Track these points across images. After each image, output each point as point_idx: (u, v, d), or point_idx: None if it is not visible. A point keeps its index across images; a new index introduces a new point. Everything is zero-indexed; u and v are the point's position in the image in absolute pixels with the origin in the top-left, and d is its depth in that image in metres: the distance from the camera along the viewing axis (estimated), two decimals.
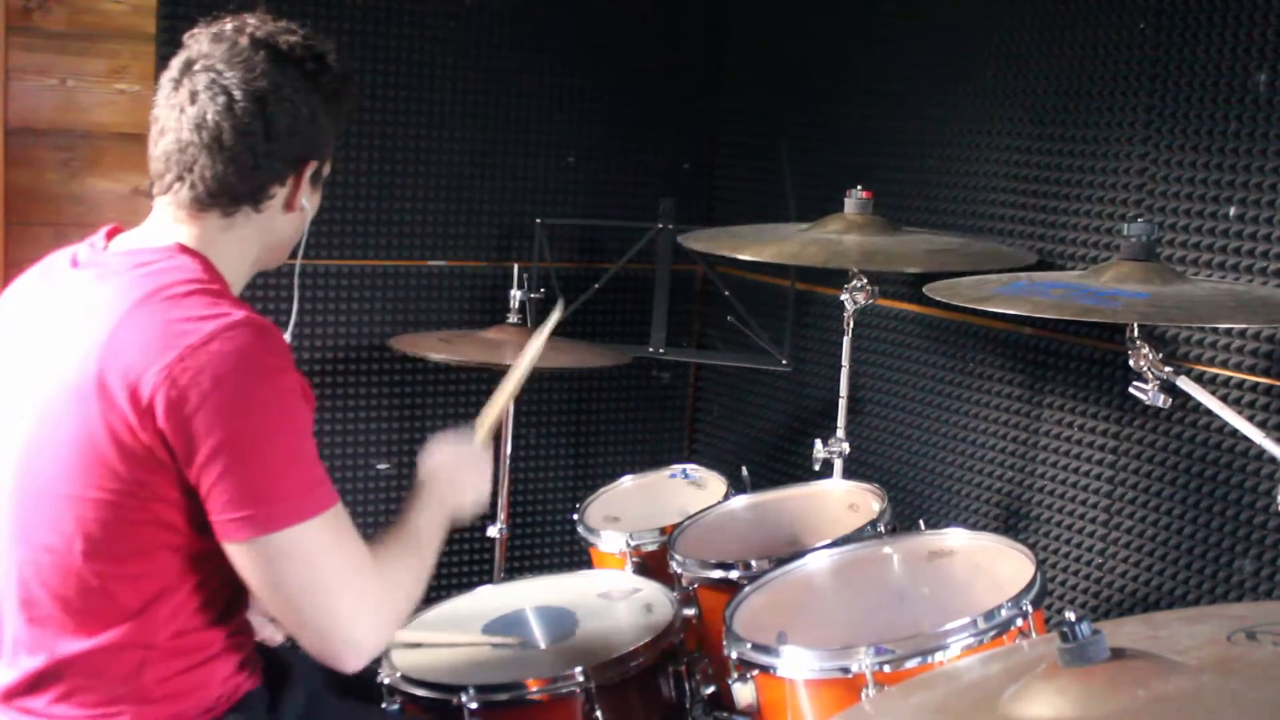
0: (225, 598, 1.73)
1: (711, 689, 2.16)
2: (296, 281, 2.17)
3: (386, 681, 2.07)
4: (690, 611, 2.30)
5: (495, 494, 3.26)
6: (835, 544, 2.28)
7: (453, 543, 3.66)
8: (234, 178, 1.72)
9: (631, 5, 3.73)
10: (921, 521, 2.56)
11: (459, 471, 1.95)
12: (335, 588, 1.66)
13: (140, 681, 1.68)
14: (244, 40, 1.73)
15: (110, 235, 1.81)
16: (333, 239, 3.42)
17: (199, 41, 1.75)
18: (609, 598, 2.38)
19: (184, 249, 1.73)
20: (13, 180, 3.09)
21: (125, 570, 1.65)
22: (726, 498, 2.72)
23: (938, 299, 2.23)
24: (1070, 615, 1.24)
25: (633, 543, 2.60)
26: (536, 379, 3.69)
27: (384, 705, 2.07)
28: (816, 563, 2.24)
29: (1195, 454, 2.52)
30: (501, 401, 2.11)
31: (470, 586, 2.47)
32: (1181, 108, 2.52)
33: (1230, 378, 2.44)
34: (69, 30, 3.11)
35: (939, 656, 1.86)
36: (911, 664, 1.86)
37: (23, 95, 3.09)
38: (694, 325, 3.95)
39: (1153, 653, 1.25)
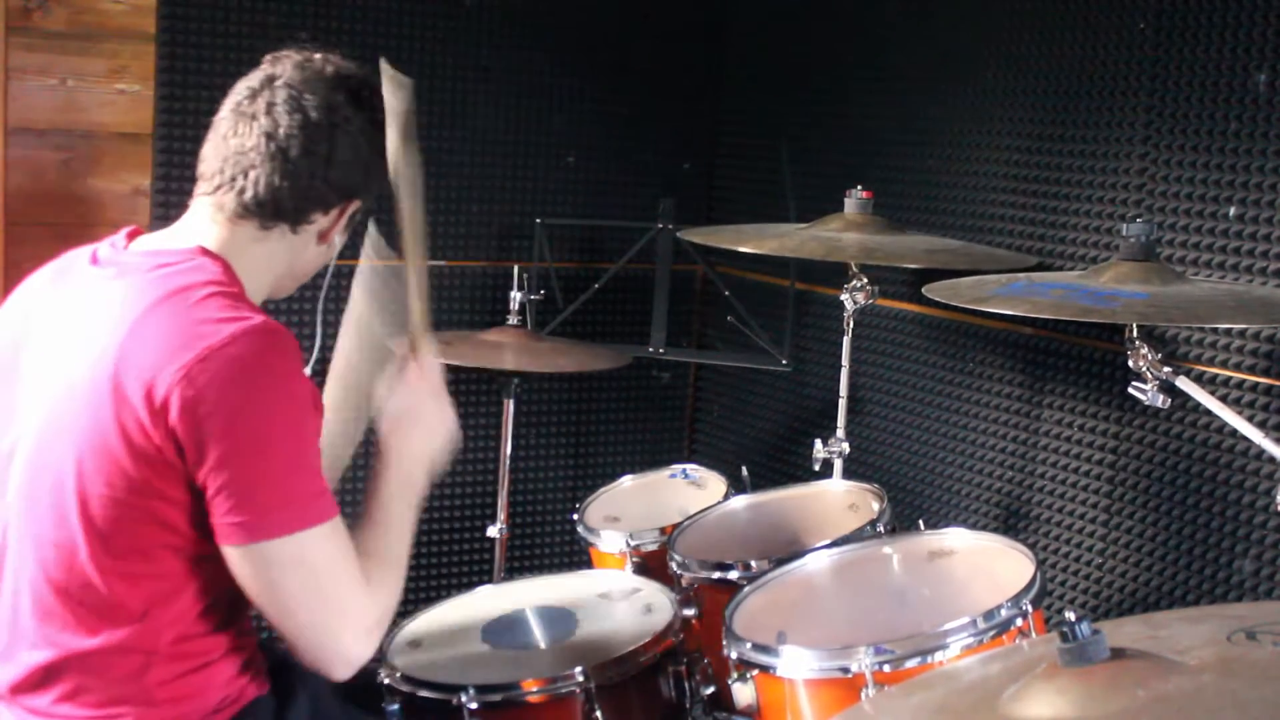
0: (227, 603, 1.73)
1: (711, 689, 2.16)
2: (323, 295, 2.17)
3: (386, 682, 2.07)
4: (690, 611, 2.29)
5: (495, 494, 3.26)
6: (835, 544, 2.28)
7: (453, 543, 3.69)
8: (287, 192, 1.75)
9: (631, 5, 3.73)
10: (921, 521, 2.56)
11: (420, 417, 1.86)
12: (331, 598, 1.67)
13: (143, 683, 1.69)
14: (329, 71, 1.79)
15: (131, 236, 1.82)
16: None
17: (283, 63, 1.80)
18: (609, 598, 2.38)
19: (206, 252, 1.74)
20: (13, 180, 3.09)
21: (126, 569, 1.66)
22: (726, 498, 2.72)
23: (937, 299, 2.23)
24: (1070, 615, 1.24)
25: (633, 543, 2.60)
26: (536, 379, 3.69)
27: (384, 705, 2.07)
28: (816, 563, 2.24)
29: (1195, 454, 2.52)
30: (419, 283, 1.90)
31: (470, 586, 2.47)
32: (1181, 108, 2.52)
33: (1230, 378, 2.44)
34: (69, 30, 3.11)
35: (939, 656, 1.86)
36: (911, 664, 1.85)
37: (23, 95, 3.09)
38: (694, 325, 3.95)
39: (1153, 653, 1.25)
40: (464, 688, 2.01)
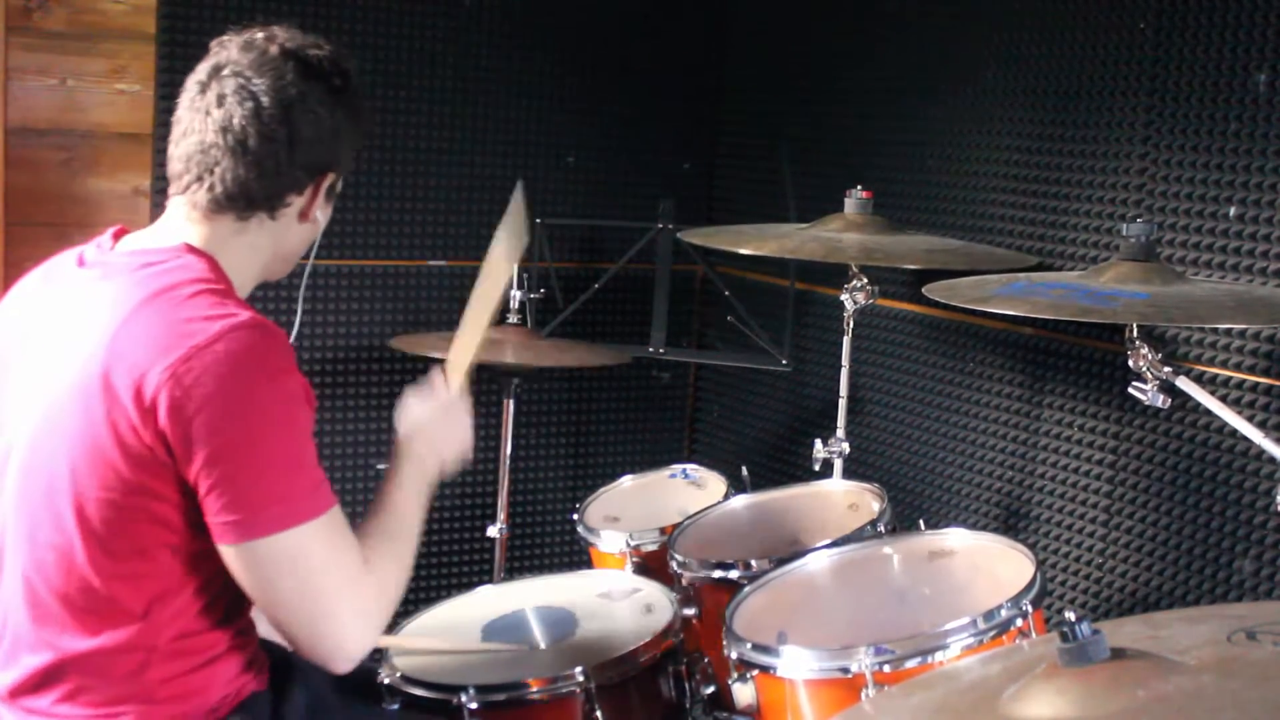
0: (228, 600, 1.73)
1: (711, 689, 2.16)
2: (304, 283, 2.17)
3: (387, 681, 2.07)
4: (690, 611, 2.29)
5: (495, 494, 3.27)
6: (835, 544, 2.28)
7: (453, 543, 3.70)
8: (254, 182, 1.73)
9: (631, 5, 3.73)
10: (921, 521, 2.56)
11: (439, 427, 1.91)
12: (328, 592, 1.66)
13: (144, 682, 1.69)
14: (274, 50, 1.75)
15: (117, 236, 1.81)
16: (333, 239, 3.42)
17: (228, 49, 1.77)
18: (609, 598, 2.38)
19: (191, 249, 1.73)
20: (13, 180, 3.09)
21: (126, 569, 1.65)
22: (726, 498, 2.72)
23: (937, 299, 2.23)
24: (1070, 615, 1.24)
25: (633, 543, 2.60)
26: (536, 379, 3.69)
27: (384, 705, 2.07)
28: (816, 563, 2.24)
29: (1195, 454, 2.52)
30: (471, 339, 2.01)
31: (470, 586, 2.47)
32: (1181, 108, 2.52)
33: (1230, 378, 2.44)
34: (69, 30, 3.11)
35: (939, 656, 1.86)
36: (911, 664, 1.85)
37: (23, 95, 3.09)
38: (694, 325, 3.95)
39: (1153, 653, 1.25)
40: (464, 688, 2.01)
